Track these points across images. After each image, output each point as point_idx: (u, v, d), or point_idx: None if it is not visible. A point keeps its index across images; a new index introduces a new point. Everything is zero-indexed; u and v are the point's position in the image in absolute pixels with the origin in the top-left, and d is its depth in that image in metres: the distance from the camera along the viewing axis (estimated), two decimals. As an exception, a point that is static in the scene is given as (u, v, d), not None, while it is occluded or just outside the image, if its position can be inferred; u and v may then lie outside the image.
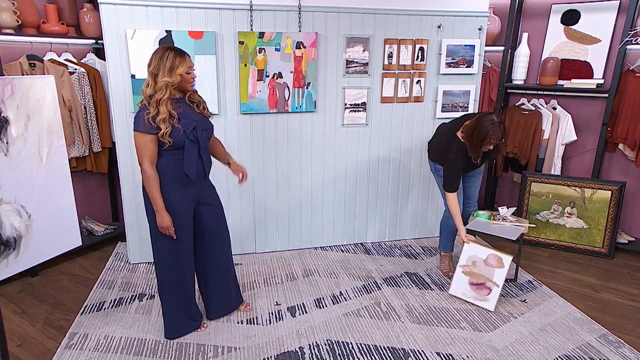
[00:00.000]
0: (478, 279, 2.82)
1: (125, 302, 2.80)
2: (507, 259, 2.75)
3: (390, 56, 3.36)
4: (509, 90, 4.07)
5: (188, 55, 2.15)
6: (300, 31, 3.14)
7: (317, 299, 2.86)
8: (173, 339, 2.44)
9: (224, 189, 3.31)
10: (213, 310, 2.60)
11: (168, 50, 2.09)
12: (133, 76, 2.92)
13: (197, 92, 2.31)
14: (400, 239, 3.84)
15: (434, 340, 2.47)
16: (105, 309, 2.73)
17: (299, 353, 2.34)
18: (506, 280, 3.10)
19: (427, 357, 2.32)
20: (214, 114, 3.09)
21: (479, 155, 2.74)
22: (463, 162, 2.80)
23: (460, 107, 3.61)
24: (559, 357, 2.34)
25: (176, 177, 2.18)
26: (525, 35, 3.84)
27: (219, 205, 2.45)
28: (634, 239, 3.66)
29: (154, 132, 2.07)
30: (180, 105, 2.16)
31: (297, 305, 2.80)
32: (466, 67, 3.51)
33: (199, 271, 2.51)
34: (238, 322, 2.60)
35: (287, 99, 3.23)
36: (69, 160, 2.97)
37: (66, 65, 3.23)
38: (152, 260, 3.11)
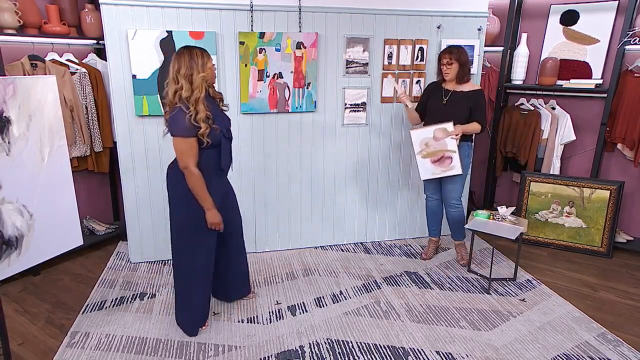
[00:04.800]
0: (436, 155, 3.04)
1: (127, 301, 2.81)
2: (449, 124, 2.95)
3: (390, 56, 3.37)
4: (508, 90, 4.08)
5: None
6: (300, 31, 3.15)
7: (317, 298, 2.88)
8: (195, 336, 2.47)
9: (225, 188, 3.32)
10: (235, 291, 2.76)
11: (193, 49, 2.16)
12: (134, 76, 2.93)
13: (214, 87, 2.39)
14: (400, 238, 3.85)
15: (434, 339, 2.48)
16: (106, 308, 2.74)
17: (299, 352, 2.35)
18: (505, 279, 3.13)
19: (426, 356, 2.33)
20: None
21: (441, 74, 3.06)
22: (431, 88, 3.17)
23: (460, 107, 3.61)
24: (558, 355, 2.35)
25: (211, 171, 2.25)
26: (524, 36, 3.86)
27: (233, 192, 2.59)
28: (632, 239, 3.68)
29: (194, 134, 2.12)
30: (209, 105, 2.21)
31: (298, 304, 2.81)
32: (466, 67, 3.52)
33: (224, 255, 2.60)
34: (238, 321, 2.61)
35: (287, 99, 3.24)
36: (70, 159, 2.98)
37: (67, 66, 3.24)
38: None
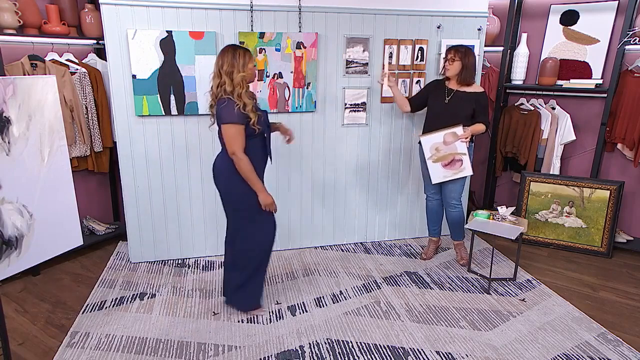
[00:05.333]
0: (447, 159, 3.07)
1: (126, 301, 2.81)
2: (459, 128, 2.98)
3: (390, 56, 3.37)
4: (508, 90, 4.08)
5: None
6: (300, 31, 3.15)
7: (317, 298, 2.88)
8: (258, 308, 2.68)
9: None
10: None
11: (237, 49, 2.30)
12: (134, 76, 2.93)
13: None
14: (400, 238, 3.85)
15: (434, 339, 2.48)
16: (106, 308, 2.74)
17: (299, 352, 2.35)
18: (505, 279, 3.13)
19: (426, 356, 2.33)
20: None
21: (444, 71, 3.08)
22: (432, 86, 3.18)
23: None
24: (558, 355, 2.35)
25: (256, 161, 2.39)
26: (524, 36, 3.86)
27: None
28: (632, 239, 3.68)
29: (243, 122, 2.27)
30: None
31: (297, 304, 2.81)
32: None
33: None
34: (238, 321, 2.61)
35: (287, 99, 3.24)
36: (70, 159, 2.98)
37: (67, 66, 3.24)
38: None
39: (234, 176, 2.35)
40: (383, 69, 3.09)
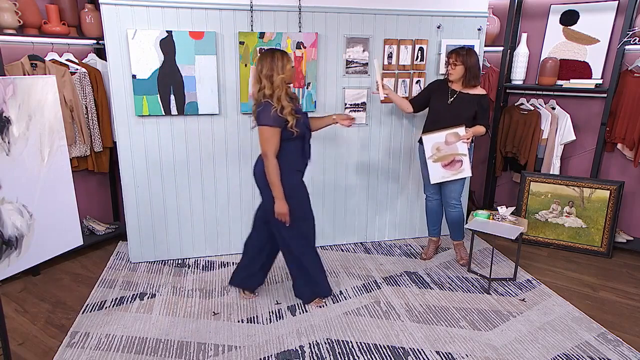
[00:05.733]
0: (447, 159, 3.07)
1: (126, 301, 2.81)
2: (461, 129, 2.98)
3: (390, 56, 3.37)
4: (508, 90, 4.08)
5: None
6: (300, 31, 3.15)
7: (317, 298, 2.88)
8: (330, 294, 2.82)
9: (224, 189, 3.33)
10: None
11: (275, 52, 2.37)
12: (134, 76, 2.93)
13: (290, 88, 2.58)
14: (400, 238, 3.85)
15: (434, 339, 2.48)
16: (106, 307, 2.74)
17: (299, 352, 2.35)
18: (505, 279, 3.13)
19: (426, 356, 2.34)
20: (215, 114, 3.15)
21: (447, 72, 3.07)
22: (435, 86, 3.17)
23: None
24: (558, 355, 2.35)
25: (296, 164, 2.49)
26: (524, 36, 3.86)
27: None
28: (632, 239, 3.68)
29: (280, 125, 2.33)
30: (290, 101, 2.41)
31: (297, 304, 2.81)
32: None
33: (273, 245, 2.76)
34: (238, 321, 2.61)
35: (287, 99, 3.24)
36: (70, 160, 2.98)
37: (67, 66, 3.24)
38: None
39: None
40: (377, 84, 3.07)
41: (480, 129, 3.04)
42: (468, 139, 2.98)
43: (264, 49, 3.08)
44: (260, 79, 2.36)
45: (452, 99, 3.05)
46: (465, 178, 3.17)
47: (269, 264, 2.83)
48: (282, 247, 2.67)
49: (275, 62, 2.34)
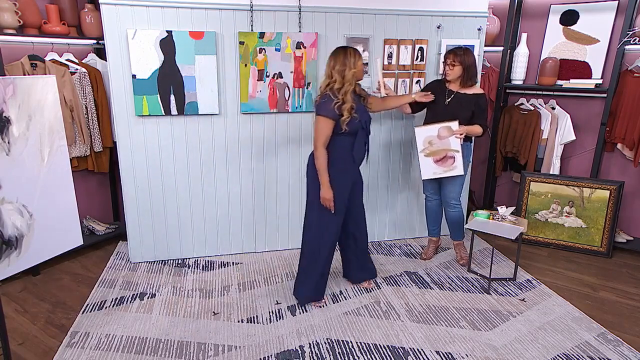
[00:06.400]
0: (439, 154, 3.02)
1: (126, 301, 2.81)
2: (454, 123, 2.95)
3: (390, 56, 3.37)
4: (508, 90, 4.08)
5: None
6: (300, 31, 3.15)
7: (317, 298, 2.87)
8: (315, 301, 2.78)
9: (224, 189, 3.33)
10: (356, 276, 3.01)
11: (348, 49, 2.52)
12: (134, 76, 2.93)
13: (360, 85, 2.70)
14: (400, 238, 3.85)
15: (434, 339, 2.48)
16: (106, 307, 2.74)
17: (299, 352, 2.36)
18: (505, 279, 3.13)
19: (426, 356, 2.34)
20: (215, 114, 3.14)
21: (444, 72, 3.07)
22: (433, 86, 3.15)
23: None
24: (558, 355, 2.35)
25: (344, 158, 2.57)
26: (524, 36, 3.86)
27: (362, 182, 2.85)
28: (632, 238, 3.68)
29: (335, 118, 2.45)
30: (354, 99, 2.54)
31: (297, 304, 2.81)
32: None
33: (347, 239, 2.88)
34: (238, 321, 2.62)
35: (287, 98, 3.24)
36: (70, 160, 2.98)
37: (67, 66, 3.24)
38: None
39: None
40: (378, 84, 3.06)
41: (476, 129, 3.02)
42: (461, 134, 2.96)
43: (264, 49, 3.09)
44: (332, 74, 2.49)
45: (450, 99, 3.04)
46: (464, 178, 3.16)
47: (354, 247, 2.93)
48: (303, 235, 2.75)
49: (348, 58, 2.47)
